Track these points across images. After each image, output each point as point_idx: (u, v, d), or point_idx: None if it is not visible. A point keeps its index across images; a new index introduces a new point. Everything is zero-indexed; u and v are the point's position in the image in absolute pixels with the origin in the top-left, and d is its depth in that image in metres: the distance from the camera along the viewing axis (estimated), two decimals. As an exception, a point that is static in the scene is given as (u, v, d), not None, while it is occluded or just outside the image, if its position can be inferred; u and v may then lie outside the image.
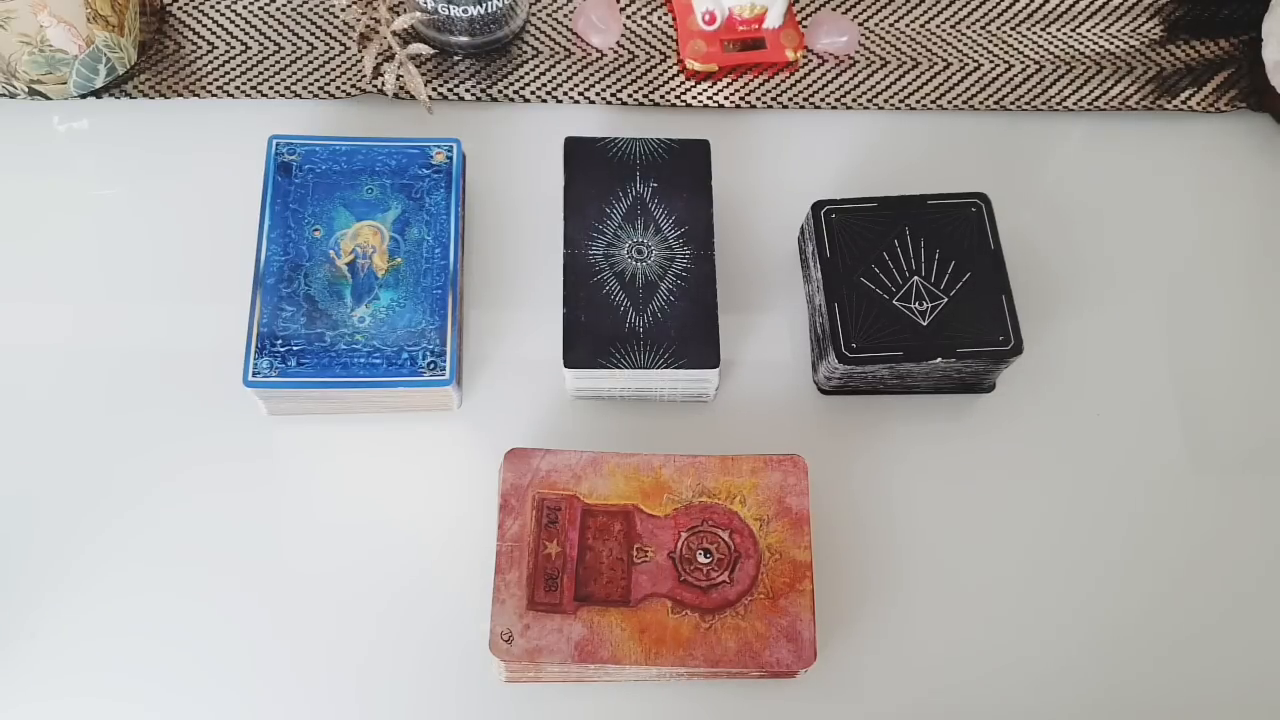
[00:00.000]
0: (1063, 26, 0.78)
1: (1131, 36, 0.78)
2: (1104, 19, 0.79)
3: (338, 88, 0.74)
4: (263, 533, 0.62)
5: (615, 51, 0.76)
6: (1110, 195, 0.74)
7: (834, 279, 0.64)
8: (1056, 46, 0.78)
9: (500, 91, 0.74)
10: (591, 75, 0.75)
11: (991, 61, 0.77)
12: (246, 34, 0.75)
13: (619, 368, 0.61)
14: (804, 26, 0.77)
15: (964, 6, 0.79)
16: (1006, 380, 0.67)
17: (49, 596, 0.60)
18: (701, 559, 0.58)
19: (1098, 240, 0.72)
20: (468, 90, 0.74)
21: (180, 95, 0.73)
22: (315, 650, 0.60)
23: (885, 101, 0.75)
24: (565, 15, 0.77)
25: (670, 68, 0.76)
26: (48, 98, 0.72)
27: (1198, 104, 0.76)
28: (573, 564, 0.57)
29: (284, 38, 0.75)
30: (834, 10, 0.78)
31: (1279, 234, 0.74)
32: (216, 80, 0.73)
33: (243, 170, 0.68)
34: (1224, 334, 0.70)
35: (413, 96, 0.73)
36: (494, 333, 0.68)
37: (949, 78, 0.76)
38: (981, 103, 0.75)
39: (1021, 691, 0.61)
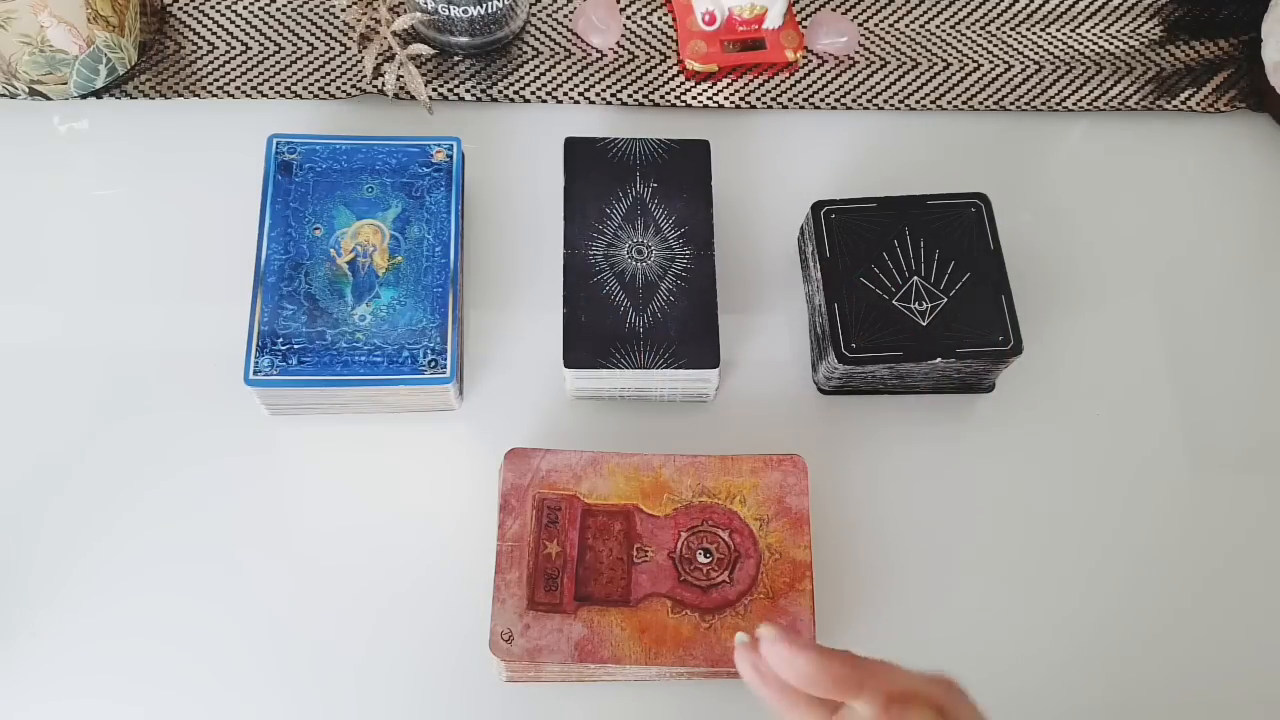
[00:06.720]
0: (1062, 27, 0.79)
1: (1131, 37, 0.78)
2: (1104, 19, 0.79)
3: (338, 88, 0.74)
4: (263, 532, 0.62)
5: (615, 52, 0.76)
6: (1110, 195, 0.74)
7: (834, 279, 0.64)
8: (1056, 47, 0.78)
9: (500, 92, 0.74)
10: (591, 75, 0.75)
11: (991, 62, 0.77)
12: (247, 34, 0.75)
13: (619, 368, 0.61)
14: (804, 27, 0.77)
15: (964, 7, 0.79)
16: (1006, 380, 0.67)
17: (50, 596, 0.60)
18: (701, 559, 0.58)
19: (1097, 240, 0.72)
20: (468, 90, 0.74)
21: (181, 95, 0.73)
22: (315, 649, 0.60)
23: (885, 102, 0.75)
24: (565, 15, 0.77)
25: (670, 68, 0.76)
26: (48, 98, 0.72)
27: (1197, 104, 0.76)
28: (573, 564, 0.57)
29: (284, 38, 0.75)
30: (834, 11, 0.78)
31: (1278, 234, 0.74)
32: (217, 80, 0.74)
33: (243, 170, 0.68)
34: (1223, 333, 0.70)
35: (413, 97, 0.73)
36: (494, 333, 0.68)
37: (949, 78, 0.76)
38: (981, 103, 0.75)
39: (1021, 690, 0.61)
